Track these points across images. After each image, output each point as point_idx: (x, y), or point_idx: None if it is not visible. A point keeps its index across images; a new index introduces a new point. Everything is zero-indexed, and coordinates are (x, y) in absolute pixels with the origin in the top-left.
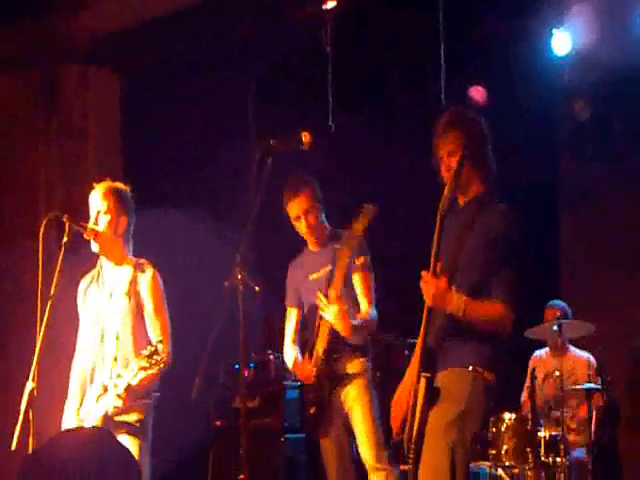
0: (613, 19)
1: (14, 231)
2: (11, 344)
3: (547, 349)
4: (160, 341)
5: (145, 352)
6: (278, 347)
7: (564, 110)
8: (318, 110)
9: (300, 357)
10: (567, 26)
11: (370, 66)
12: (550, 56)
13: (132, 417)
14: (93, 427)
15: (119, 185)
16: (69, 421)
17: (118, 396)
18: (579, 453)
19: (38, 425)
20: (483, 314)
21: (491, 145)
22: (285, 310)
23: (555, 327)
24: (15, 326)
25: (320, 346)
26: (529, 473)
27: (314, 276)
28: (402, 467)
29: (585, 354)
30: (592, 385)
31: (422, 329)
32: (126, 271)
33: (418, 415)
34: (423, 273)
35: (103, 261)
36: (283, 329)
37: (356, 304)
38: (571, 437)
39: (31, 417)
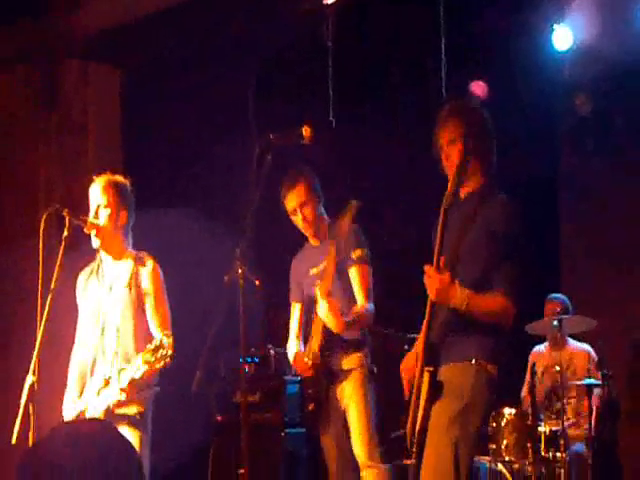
0: (614, 14)
1: (14, 230)
2: (12, 344)
3: (546, 344)
4: (165, 335)
5: (150, 346)
6: (279, 341)
7: (565, 105)
8: (319, 105)
9: (302, 351)
10: (568, 21)
11: (371, 61)
12: (551, 51)
13: (132, 409)
14: (93, 418)
15: (119, 178)
16: (68, 414)
17: (122, 390)
18: (579, 447)
19: (38, 419)
20: (485, 307)
21: (494, 136)
22: (287, 304)
23: (555, 322)
24: (16, 325)
25: (315, 342)
26: (529, 468)
27: (314, 271)
28: (405, 461)
29: (584, 346)
30: (592, 380)
31: (425, 323)
32: (126, 264)
33: (421, 410)
34: (426, 267)
35: (102, 254)
36: (284, 323)
37: (353, 298)
38: (571, 431)
39: (31, 411)
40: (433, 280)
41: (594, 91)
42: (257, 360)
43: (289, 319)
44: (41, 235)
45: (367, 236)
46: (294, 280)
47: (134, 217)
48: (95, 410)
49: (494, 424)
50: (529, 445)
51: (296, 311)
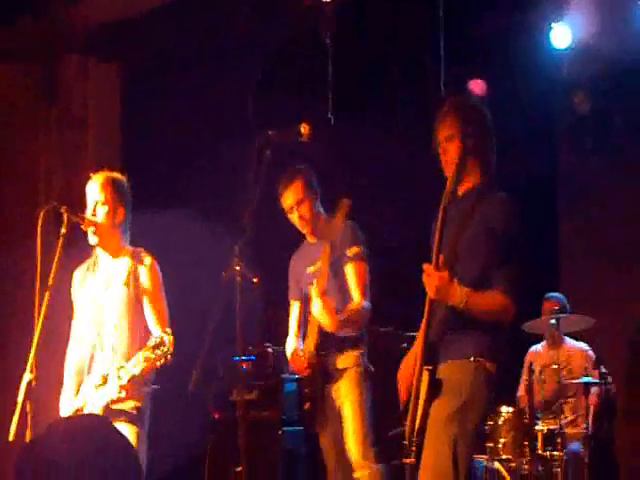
0: (612, 12)
1: (14, 221)
2: (10, 341)
3: (543, 343)
4: (166, 332)
5: (150, 343)
6: (277, 339)
7: (563, 103)
8: (318, 102)
9: (301, 348)
10: (567, 19)
11: (370, 58)
12: (549, 49)
13: (129, 405)
14: (90, 414)
15: (117, 175)
16: (65, 411)
17: (122, 387)
18: (576, 446)
19: (35, 416)
20: (484, 305)
21: (493, 133)
22: (286, 302)
23: (553, 321)
24: (13, 323)
25: (311, 341)
26: (526, 467)
27: (311, 269)
28: (405, 460)
29: (581, 345)
30: (590, 379)
31: (424, 322)
32: (124, 261)
33: (421, 408)
34: (425, 266)
35: (99, 251)
36: (282, 321)
37: (349, 296)
38: (568, 430)
39: (29, 408)
40: (432, 278)
41: (593, 90)
42: (255, 358)
43: (287, 317)
44: (39, 232)
45: (365, 233)
46: (292, 278)
47: (131, 214)
48: (94, 407)
49: (491, 422)
50: (526, 443)
51: (295, 309)
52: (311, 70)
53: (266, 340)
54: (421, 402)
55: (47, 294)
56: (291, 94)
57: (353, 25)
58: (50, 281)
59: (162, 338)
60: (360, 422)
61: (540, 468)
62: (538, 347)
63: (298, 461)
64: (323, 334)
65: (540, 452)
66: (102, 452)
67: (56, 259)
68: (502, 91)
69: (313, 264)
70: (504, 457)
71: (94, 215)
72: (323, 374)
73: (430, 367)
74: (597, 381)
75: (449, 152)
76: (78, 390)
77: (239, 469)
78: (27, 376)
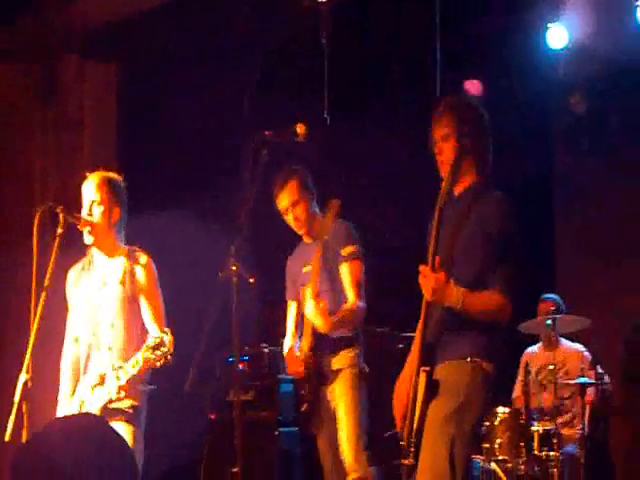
0: (608, 13)
1: (9, 221)
2: (6, 341)
3: (539, 344)
4: (166, 333)
5: (150, 343)
6: (273, 340)
7: (560, 104)
8: (316, 102)
9: (297, 347)
10: (563, 20)
11: (370, 58)
12: (546, 50)
13: (125, 404)
14: (86, 414)
15: (112, 175)
16: (61, 410)
17: (120, 387)
18: (572, 448)
19: (32, 416)
20: (481, 305)
21: (490, 133)
22: (282, 302)
23: (549, 322)
24: (9, 323)
25: (305, 342)
26: (522, 467)
27: (307, 269)
28: (403, 462)
29: (577, 346)
30: (586, 379)
31: (420, 323)
32: (119, 261)
33: (418, 409)
34: (421, 267)
35: (95, 251)
36: (279, 321)
37: (344, 296)
38: (564, 431)
39: (25, 408)
40: (428, 280)
41: (589, 90)
42: (251, 358)
43: (284, 317)
44: (35, 232)
45: (366, 233)
46: (289, 278)
47: (127, 214)
48: (91, 408)
49: (488, 423)
50: (522, 444)
51: (292, 309)
52: (310, 70)
53: (262, 340)
54: (418, 403)
55: (43, 294)
56: (290, 94)
57: (353, 25)
58: (46, 282)
59: (162, 338)
60: (353, 425)
61: (536, 468)
62: (534, 348)
63: (294, 462)
64: (317, 335)
65: (536, 453)
66: (98, 452)
67: (52, 259)
68: (498, 91)
69: (309, 264)
70: (500, 458)
71: (90, 215)
72: (318, 375)
73: (427, 368)
74: (593, 382)
75: (445, 152)
76: (74, 390)
77: (235, 469)
78: (23, 376)
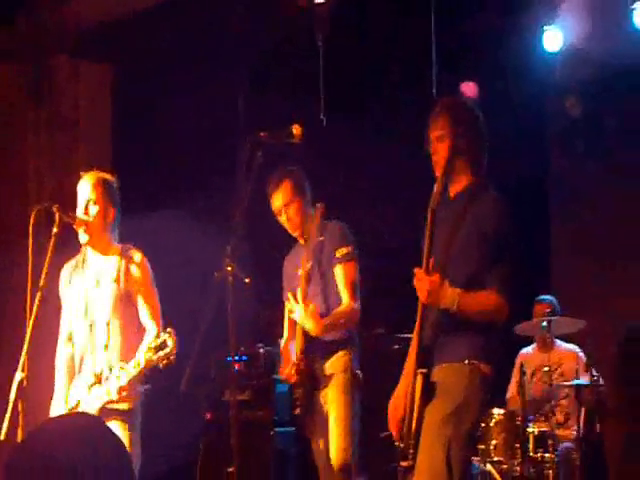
0: (604, 15)
1: (5, 221)
2: (1, 340)
3: (534, 345)
4: (168, 332)
5: (152, 344)
6: (269, 340)
7: (555, 106)
8: (314, 103)
9: (292, 347)
10: (558, 22)
11: (369, 59)
12: (541, 52)
13: (122, 404)
14: (82, 413)
15: (107, 175)
16: (57, 409)
17: (121, 388)
18: (568, 448)
19: (27, 415)
20: (477, 306)
21: (485, 135)
22: (278, 302)
23: (544, 323)
24: (5, 322)
25: (297, 345)
26: (518, 468)
27: (300, 271)
28: (402, 463)
29: (572, 347)
30: (581, 381)
31: (417, 325)
32: (113, 259)
33: (416, 411)
34: (416, 270)
35: (89, 249)
36: (274, 322)
37: (339, 298)
38: (560, 432)
39: (20, 408)
40: (423, 282)
41: (584, 93)
42: (247, 358)
43: (280, 317)
44: (30, 232)
45: (366, 234)
46: (285, 280)
47: (120, 214)
48: (89, 408)
49: (483, 424)
50: (518, 445)
51: (288, 312)
52: (307, 71)
53: (258, 340)
54: (416, 406)
55: (39, 294)
56: (287, 95)
57: (351, 26)
58: (42, 281)
59: (165, 340)
60: (343, 434)
61: (532, 470)
62: (529, 349)
63: (289, 462)
64: (309, 338)
65: (532, 454)
66: (94, 452)
67: (47, 259)
68: (494, 94)
69: (301, 267)
70: (496, 459)
71: (86, 214)
72: (311, 379)
73: (424, 370)
74: (588, 383)
75: (439, 152)
76: (69, 389)
77: (231, 469)
78: (19, 375)
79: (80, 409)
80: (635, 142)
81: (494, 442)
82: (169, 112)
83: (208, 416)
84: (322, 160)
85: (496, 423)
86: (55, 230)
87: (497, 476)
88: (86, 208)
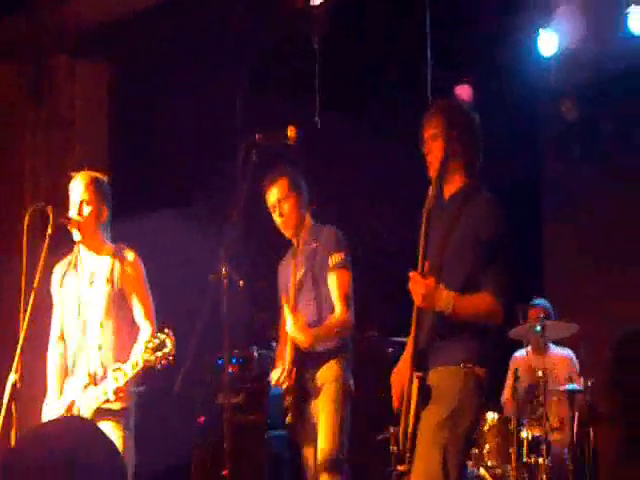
0: (599, 19)
1: (3, 220)
2: None
3: (528, 349)
4: (166, 333)
5: (150, 345)
6: (263, 343)
7: (550, 110)
8: (312, 104)
9: (289, 348)
10: (554, 26)
11: (363, 60)
12: (536, 56)
13: (116, 404)
14: (75, 416)
15: (99, 175)
16: (50, 410)
17: (119, 389)
18: (561, 453)
19: (21, 417)
20: (472, 309)
21: (480, 137)
22: (273, 305)
23: (538, 327)
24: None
25: (288, 355)
26: (511, 473)
27: (291, 281)
28: (398, 467)
29: (566, 352)
30: (575, 386)
31: (412, 329)
32: (107, 258)
33: (412, 415)
34: (411, 274)
35: (82, 248)
36: (268, 325)
37: (331, 304)
38: (553, 437)
39: (14, 409)
40: (418, 285)
41: (580, 97)
42: (241, 361)
43: (275, 320)
44: (25, 233)
45: (358, 235)
46: (280, 285)
47: (112, 213)
48: (84, 408)
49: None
50: (511, 450)
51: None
52: (305, 72)
53: (252, 343)
54: (412, 409)
55: (32, 295)
56: (285, 95)
57: (348, 27)
58: (35, 282)
59: (164, 340)
60: (329, 448)
61: (525, 475)
62: (522, 353)
63: (283, 465)
64: (299, 348)
65: (525, 459)
66: (87, 455)
67: (42, 260)
68: (489, 97)
69: (298, 271)
70: (489, 463)
71: (80, 214)
72: (301, 389)
73: (420, 374)
74: (581, 388)
75: (433, 151)
76: (62, 389)
77: (225, 472)
78: (12, 377)
79: (75, 409)
80: (630, 146)
81: (488, 446)
82: (167, 112)
83: (202, 419)
84: (320, 160)
85: (490, 428)
86: (49, 231)
87: None
88: (80, 209)
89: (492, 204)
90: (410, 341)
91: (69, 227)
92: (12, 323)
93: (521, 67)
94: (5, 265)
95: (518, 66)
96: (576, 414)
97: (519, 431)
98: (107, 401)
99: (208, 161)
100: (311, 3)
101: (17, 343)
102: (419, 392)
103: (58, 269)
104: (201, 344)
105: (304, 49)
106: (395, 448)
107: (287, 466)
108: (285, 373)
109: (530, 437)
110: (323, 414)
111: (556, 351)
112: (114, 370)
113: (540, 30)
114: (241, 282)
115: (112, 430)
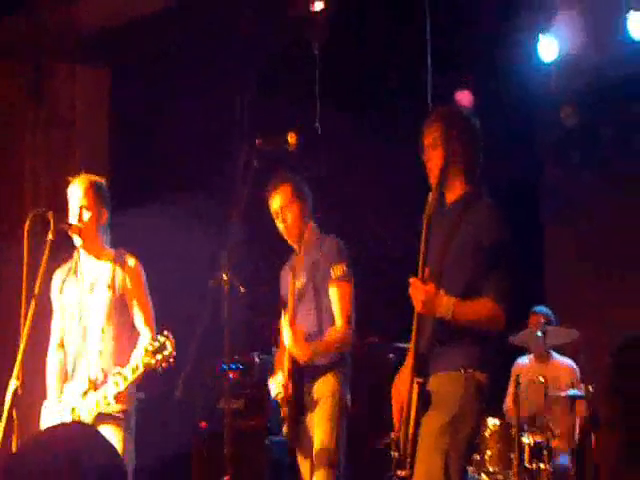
0: (599, 24)
1: (3, 220)
2: None
3: (530, 356)
4: (165, 335)
5: (149, 348)
6: (264, 348)
7: (550, 116)
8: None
9: (286, 360)
10: (554, 32)
11: (364, 66)
12: (536, 62)
13: (116, 409)
14: (75, 422)
15: (97, 178)
16: (50, 414)
17: (119, 393)
18: (563, 459)
19: (22, 423)
20: (472, 314)
21: (480, 144)
22: (273, 310)
23: (539, 333)
24: None
25: (285, 368)
26: (513, 479)
27: (297, 284)
28: (399, 472)
29: (568, 361)
30: (576, 392)
31: (413, 334)
32: (107, 263)
33: (413, 420)
34: (411, 280)
35: (82, 253)
36: (270, 330)
37: (331, 316)
38: (555, 443)
39: (15, 416)
40: (418, 291)
41: (579, 103)
42: (241, 367)
43: (274, 325)
44: (25, 238)
45: (360, 243)
46: (282, 291)
47: (112, 216)
48: (86, 414)
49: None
50: (513, 456)
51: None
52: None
53: (254, 349)
54: (412, 414)
55: (33, 301)
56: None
57: (349, 33)
58: (36, 288)
59: (163, 343)
60: (324, 470)
61: None
62: (525, 359)
63: (283, 470)
64: (296, 361)
65: (527, 465)
66: (90, 458)
67: (42, 265)
68: (489, 103)
69: (298, 280)
70: (491, 469)
71: (80, 220)
72: (298, 401)
73: (421, 380)
74: (583, 394)
75: (433, 159)
76: (61, 395)
77: (225, 478)
78: (13, 383)
79: (76, 416)
80: (630, 152)
81: (489, 452)
82: (167, 114)
83: (202, 424)
84: (322, 166)
85: (491, 433)
86: (50, 237)
87: None
88: (80, 214)
89: (493, 210)
90: (411, 346)
91: (70, 232)
92: (12, 327)
93: (521, 73)
94: (4, 268)
95: (518, 72)
96: (577, 421)
97: (521, 437)
98: (108, 406)
99: (208, 164)
100: (312, 9)
101: (17, 348)
102: (419, 398)
103: (58, 275)
104: (201, 349)
105: (305, 55)
106: (396, 453)
107: (287, 471)
108: (281, 386)
109: (532, 443)
110: (319, 431)
111: (559, 360)
112: (114, 374)
113: (540, 36)
114: (242, 288)
115: (112, 433)
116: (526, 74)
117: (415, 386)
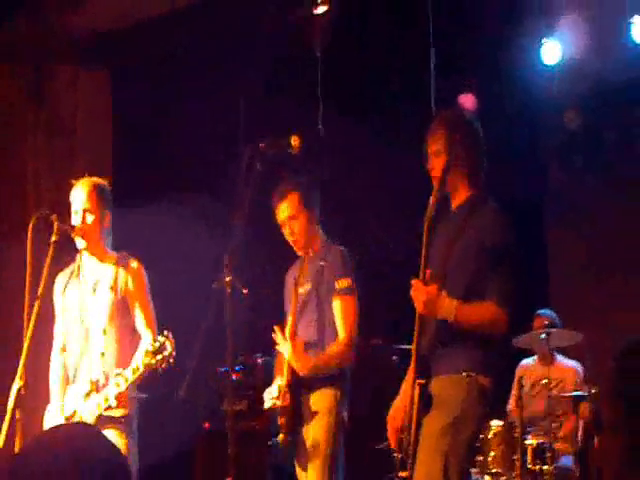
0: (603, 29)
1: (6, 222)
2: None
3: (535, 358)
4: (165, 336)
5: (149, 349)
6: (267, 350)
7: (553, 121)
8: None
9: (285, 370)
10: (557, 36)
11: (366, 69)
12: (540, 66)
13: (117, 411)
14: (78, 423)
15: (100, 181)
16: (52, 417)
17: (120, 394)
18: (566, 461)
19: (25, 423)
20: (475, 317)
21: (483, 148)
22: (276, 312)
23: (543, 335)
24: (1, 331)
25: (284, 379)
26: None
27: (301, 290)
28: (400, 473)
29: (573, 363)
30: (579, 392)
31: (415, 336)
32: (109, 266)
33: (414, 422)
34: (413, 281)
35: (85, 256)
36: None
37: (334, 329)
38: (558, 445)
39: (18, 416)
40: (420, 293)
41: (582, 107)
42: (244, 368)
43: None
44: (29, 240)
45: (363, 246)
46: (286, 295)
47: (114, 218)
48: (86, 415)
49: (481, 436)
50: (516, 457)
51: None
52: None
53: (257, 350)
54: (413, 416)
55: (37, 303)
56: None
57: (352, 36)
58: (40, 290)
59: (163, 343)
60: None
61: None
62: (529, 361)
63: (286, 472)
64: (294, 372)
65: (530, 466)
66: (93, 458)
67: (46, 268)
68: (492, 107)
69: (302, 286)
70: (494, 470)
71: (83, 222)
72: (296, 412)
73: (422, 381)
74: (586, 394)
75: (437, 168)
76: (64, 397)
77: (228, 479)
78: (17, 384)
79: (77, 418)
80: (634, 156)
81: (492, 454)
82: (171, 117)
83: (205, 425)
84: (325, 169)
85: (494, 435)
86: (53, 239)
87: None
88: (83, 217)
89: (498, 214)
90: (413, 348)
91: (72, 235)
92: (13, 328)
93: (524, 77)
94: (7, 267)
95: (521, 76)
96: (581, 423)
97: (524, 438)
98: (109, 407)
99: (212, 165)
100: (314, 12)
101: (19, 349)
102: (420, 399)
103: (60, 278)
104: (205, 351)
105: (308, 58)
106: (398, 455)
107: (290, 473)
108: (280, 394)
109: (535, 444)
110: (314, 452)
111: (564, 362)
112: (115, 376)
113: (544, 40)
114: (244, 290)
115: (115, 437)
116: (529, 78)
117: (416, 387)
